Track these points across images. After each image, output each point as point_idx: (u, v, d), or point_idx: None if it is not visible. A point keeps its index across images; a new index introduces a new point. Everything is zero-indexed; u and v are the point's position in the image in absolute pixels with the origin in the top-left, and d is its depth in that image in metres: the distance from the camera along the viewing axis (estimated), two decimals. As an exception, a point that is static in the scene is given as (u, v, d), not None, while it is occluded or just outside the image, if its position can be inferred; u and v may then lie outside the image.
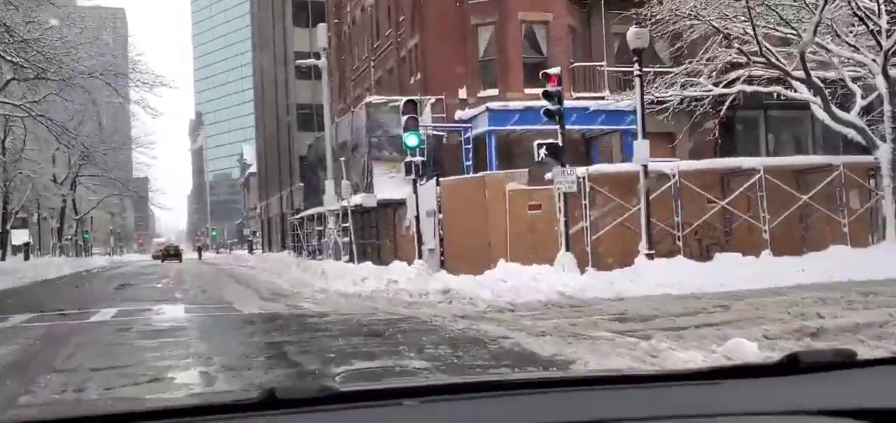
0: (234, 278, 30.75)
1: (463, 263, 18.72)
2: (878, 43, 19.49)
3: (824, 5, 18.24)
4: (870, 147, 20.58)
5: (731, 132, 26.77)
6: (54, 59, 26.05)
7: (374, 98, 29.18)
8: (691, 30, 22.21)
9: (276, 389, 1.66)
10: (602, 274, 17.05)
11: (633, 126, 24.40)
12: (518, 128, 25.55)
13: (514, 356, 8.57)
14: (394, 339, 10.44)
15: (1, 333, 12.86)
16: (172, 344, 10.53)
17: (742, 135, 27.71)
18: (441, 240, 20.53)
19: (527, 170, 20.55)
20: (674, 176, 19.52)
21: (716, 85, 22.53)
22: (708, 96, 22.97)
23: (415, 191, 20.77)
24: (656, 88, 22.41)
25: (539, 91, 18.95)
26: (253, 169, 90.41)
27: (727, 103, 23.40)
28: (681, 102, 22.96)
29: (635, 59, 18.61)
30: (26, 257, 47.28)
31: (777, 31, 20.81)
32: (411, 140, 19.95)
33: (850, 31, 20.76)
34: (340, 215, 27.32)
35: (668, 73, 23.20)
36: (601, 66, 27.57)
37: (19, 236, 47.32)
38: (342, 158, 28.18)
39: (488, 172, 23.49)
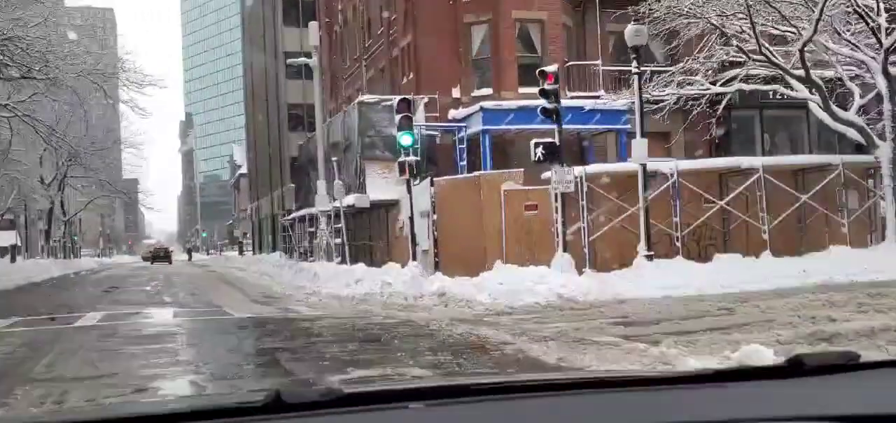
0: (224, 281, 30.37)
1: (458, 264, 18.36)
2: (879, 40, 19.29)
3: (825, 1, 17.99)
4: (869, 146, 20.37)
5: (727, 132, 26.53)
6: (40, 58, 25.60)
7: (366, 97, 28.76)
8: (688, 28, 21.99)
9: (281, 391, 1.64)
10: (601, 276, 16.72)
11: (629, 126, 24.20)
12: (513, 127, 25.24)
13: (519, 362, 8.23)
14: (391, 345, 10.09)
15: (-19, 339, 12.42)
16: (159, 351, 10.15)
17: (737, 134, 27.49)
18: (436, 241, 20.18)
19: (522, 170, 20.21)
20: (672, 176, 19.20)
21: (713, 84, 22.28)
22: (704, 95, 22.72)
23: (409, 191, 20.39)
24: (653, 86, 22.13)
25: (534, 90, 18.63)
26: (243, 170, 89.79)
27: (724, 102, 23.19)
28: (677, 102, 22.68)
29: (633, 56, 18.27)
30: (13, 260, 46.66)
31: (775, 28, 20.58)
32: (405, 139, 19.54)
33: (847, 28, 20.56)
34: (333, 216, 26.92)
35: (664, 71, 22.93)
36: (596, 65, 27.28)
37: (6, 238, 46.78)
38: (334, 159, 27.78)
39: (483, 171, 23.13)
